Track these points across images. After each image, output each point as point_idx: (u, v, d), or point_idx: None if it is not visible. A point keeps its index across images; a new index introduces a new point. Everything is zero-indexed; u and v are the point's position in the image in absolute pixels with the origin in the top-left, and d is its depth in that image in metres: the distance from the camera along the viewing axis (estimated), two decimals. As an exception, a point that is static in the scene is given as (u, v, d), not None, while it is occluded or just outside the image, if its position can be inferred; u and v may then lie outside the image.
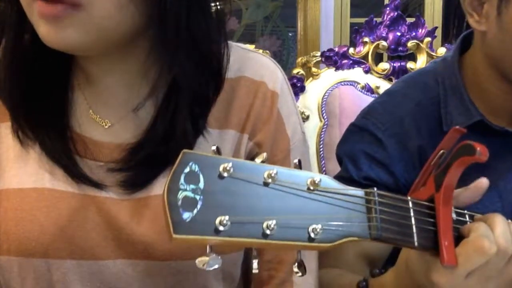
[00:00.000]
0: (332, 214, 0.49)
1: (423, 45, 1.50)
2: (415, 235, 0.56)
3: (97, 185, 0.71)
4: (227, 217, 0.43)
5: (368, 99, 1.42)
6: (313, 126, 1.45)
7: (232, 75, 0.77)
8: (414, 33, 1.50)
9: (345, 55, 1.49)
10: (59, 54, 0.67)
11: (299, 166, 0.50)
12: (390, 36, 1.49)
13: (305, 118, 1.44)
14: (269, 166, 0.47)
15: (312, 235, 0.47)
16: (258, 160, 0.48)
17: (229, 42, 0.79)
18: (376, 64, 1.51)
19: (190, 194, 0.43)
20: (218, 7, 0.72)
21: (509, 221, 0.66)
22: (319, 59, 1.49)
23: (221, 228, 0.43)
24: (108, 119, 0.74)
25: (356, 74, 1.49)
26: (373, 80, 1.49)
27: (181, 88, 0.69)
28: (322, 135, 1.45)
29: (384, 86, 1.47)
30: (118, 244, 0.71)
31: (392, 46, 1.49)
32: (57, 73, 0.73)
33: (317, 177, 0.49)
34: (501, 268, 0.61)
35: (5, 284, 0.73)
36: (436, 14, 3.20)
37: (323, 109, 1.45)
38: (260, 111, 0.77)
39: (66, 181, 0.71)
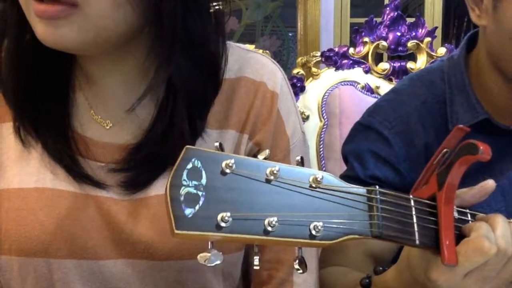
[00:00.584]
0: (334, 211, 0.49)
1: (423, 45, 1.50)
2: (416, 233, 0.56)
3: (98, 185, 0.71)
4: (228, 214, 0.43)
5: (368, 99, 1.42)
6: (313, 126, 1.45)
7: (232, 76, 0.77)
8: (414, 33, 1.50)
9: (345, 55, 1.49)
10: (59, 54, 0.67)
11: (301, 163, 0.50)
12: (390, 36, 1.49)
13: (305, 118, 1.44)
14: (271, 163, 0.47)
15: (314, 232, 0.47)
16: (260, 157, 0.48)
17: (230, 42, 0.79)
18: (376, 64, 1.51)
19: (192, 190, 0.43)
20: (217, 7, 0.72)
21: (511, 220, 0.66)
22: (319, 59, 1.49)
23: (222, 224, 0.43)
24: (109, 120, 0.74)
25: (356, 74, 1.49)
26: (373, 80, 1.49)
27: (178, 88, 0.69)
28: (322, 135, 1.45)
29: (384, 86, 1.48)
30: (118, 244, 0.71)
31: (392, 46, 1.49)
32: (58, 73, 0.73)
33: (319, 174, 0.49)
34: (499, 269, 0.61)
35: (5, 284, 0.73)
36: (436, 14, 3.20)
37: (323, 109, 1.45)
38: (259, 111, 0.77)
39: (68, 181, 0.71)
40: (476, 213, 0.64)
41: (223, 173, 0.45)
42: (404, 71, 1.49)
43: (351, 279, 0.84)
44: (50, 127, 0.72)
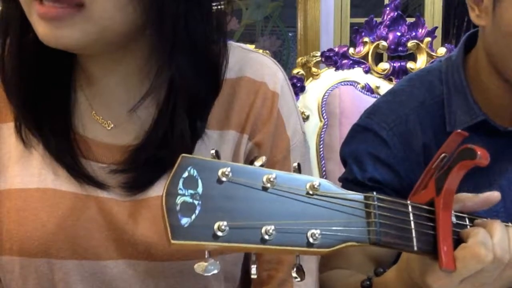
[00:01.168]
0: (331, 218, 0.49)
1: (423, 45, 1.49)
2: (414, 239, 0.56)
3: (100, 186, 0.71)
4: (225, 223, 0.43)
5: (368, 99, 1.42)
6: (313, 126, 1.44)
7: (233, 76, 0.77)
8: (414, 33, 1.49)
9: (345, 55, 1.48)
10: (61, 54, 0.67)
11: (298, 170, 0.50)
12: (390, 36, 1.48)
13: (305, 118, 1.44)
14: (268, 170, 0.47)
15: (311, 240, 0.47)
16: (257, 163, 0.48)
17: (231, 42, 0.79)
18: (376, 64, 1.50)
19: (188, 199, 0.43)
20: (219, 7, 0.72)
21: (509, 223, 0.66)
22: (319, 59, 1.49)
23: (219, 233, 0.43)
24: (110, 120, 0.74)
25: (356, 74, 1.48)
26: (373, 80, 1.48)
27: (179, 89, 0.69)
28: (322, 135, 1.44)
29: (384, 86, 1.47)
30: (120, 245, 0.71)
31: (392, 46, 1.49)
32: (59, 73, 0.73)
33: (316, 181, 0.49)
34: (495, 276, 0.61)
35: (6, 284, 0.73)
36: (436, 14, 3.19)
37: (323, 109, 1.45)
38: (260, 112, 0.77)
39: (69, 181, 0.72)
40: (474, 217, 0.64)
41: (219, 181, 0.45)
42: (404, 71, 1.49)
43: (352, 281, 0.84)
44: (52, 128, 0.72)
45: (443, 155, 0.60)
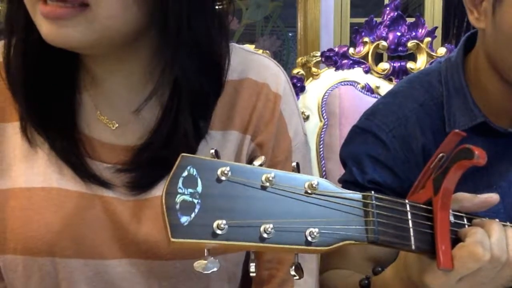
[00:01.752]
0: (330, 217, 0.49)
1: (423, 45, 1.49)
2: (412, 238, 0.56)
3: (105, 185, 0.72)
4: (224, 221, 0.44)
5: (368, 99, 1.42)
6: (313, 126, 1.44)
7: (235, 77, 0.78)
8: (414, 33, 1.49)
9: (345, 55, 1.48)
10: (65, 54, 0.68)
11: (297, 169, 0.50)
12: (390, 36, 1.48)
13: (305, 118, 1.44)
14: (267, 170, 0.47)
15: (309, 238, 0.47)
16: (256, 163, 0.48)
17: (233, 43, 0.80)
18: (376, 64, 1.50)
19: (188, 198, 0.44)
20: (221, 7, 0.72)
21: (508, 223, 0.66)
22: (319, 59, 1.49)
23: (218, 232, 0.43)
24: (115, 120, 0.75)
25: (356, 74, 1.48)
26: (373, 80, 1.48)
27: (182, 89, 0.69)
28: (322, 135, 1.44)
29: (384, 86, 1.47)
30: (123, 244, 0.72)
31: (392, 46, 1.49)
32: (64, 74, 0.74)
33: (315, 180, 0.49)
34: (493, 275, 0.61)
35: (9, 283, 0.74)
36: (436, 14, 3.20)
37: (323, 109, 1.45)
38: (262, 113, 0.78)
39: (74, 180, 0.72)
40: (472, 217, 0.64)
41: (219, 180, 0.45)
42: (404, 71, 1.49)
43: (351, 281, 0.84)
44: (58, 127, 0.72)
45: (441, 155, 0.60)
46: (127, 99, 0.74)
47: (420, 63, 1.49)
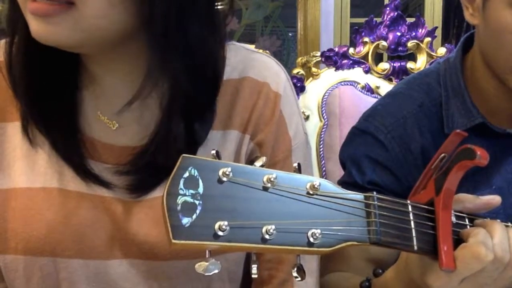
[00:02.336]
0: (332, 218, 0.49)
1: (423, 45, 1.49)
2: (414, 239, 0.56)
3: (105, 185, 0.72)
4: (226, 222, 0.43)
5: (368, 99, 1.42)
6: (313, 126, 1.44)
7: (236, 76, 0.77)
8: (414, 33, 1.49)
9: (345, 55, 1.48)
10: (64, 54, 0.67)
11: (298, 170, 0.50)
12: (390, 36, 1.48)
13: (305, 118, 1.44)
14: (268, 170, 0.47)
15: (311, 239, 0.47)
16: (257, 164, 0.48)
17: (234, 42, 0.79)
18: (376, 64, 1.50)
19: (189, 199, 0.43)
20: (219, 7, 0.72)
21: (509, 223, 0.66)
22: (319, 59, 1.49)
23: (220, 233, 0.43)
24: (115, 120, 0.74)
25: (356, 74, 1.48)
26: (373, 80, 1.48)
27: (177, 91, 0.68)
28: (322, 135, 1.44)
29: (384, 86, 1.47)
30: (124, 244, 0.72)
31: (392, 46, 1.49)
32: (65, 73, 0.74)
33: (317, 181, 0.49)
34: (496, 276, 0.61)
35: (9, 283, 0.74)
36: (436, 14, 3.20)
37: (323, 109, 1.45)
38: (262, 112, 0.77)
39: (75, 181, 0.72)
40: (474, 217, 0.64)
41: (220, 181, 0.45)
42: (404, 71, 1.49)
43: (352, 283, 0.84)
44: (59, 127, 0.72)
45: (442, 155, 0.60)
46: (127, 99, 0.74)
47: (420, 63, 1.49)
